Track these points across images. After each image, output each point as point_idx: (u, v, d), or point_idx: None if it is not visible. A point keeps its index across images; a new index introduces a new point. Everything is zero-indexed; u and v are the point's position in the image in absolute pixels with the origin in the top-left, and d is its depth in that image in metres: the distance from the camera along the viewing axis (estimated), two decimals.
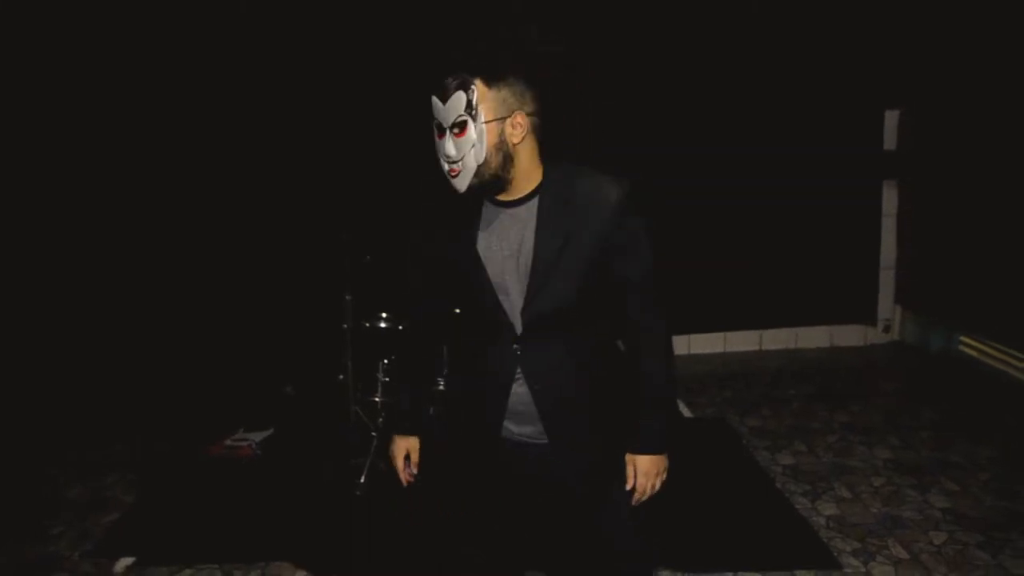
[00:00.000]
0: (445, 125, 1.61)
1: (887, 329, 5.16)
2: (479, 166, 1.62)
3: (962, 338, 4.67)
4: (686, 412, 4.18)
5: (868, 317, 5.16)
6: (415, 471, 1.98)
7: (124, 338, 4.45)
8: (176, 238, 4.50)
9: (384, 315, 3.54)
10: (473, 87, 1.59)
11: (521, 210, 1.69)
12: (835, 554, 2.80)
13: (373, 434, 3.46)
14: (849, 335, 5.17)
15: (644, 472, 1.79)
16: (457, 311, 1.87)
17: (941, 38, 4.43)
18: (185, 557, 2.98)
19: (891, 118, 4.91)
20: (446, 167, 1.64)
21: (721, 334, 5.16)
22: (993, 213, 4.11)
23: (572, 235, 1.65)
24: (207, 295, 4.53)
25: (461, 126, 1.60)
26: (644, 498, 1.81)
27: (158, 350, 4.48)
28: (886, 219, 5.04)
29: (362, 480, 3.33)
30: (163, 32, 4.30)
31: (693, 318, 5.03)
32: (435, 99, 1.62)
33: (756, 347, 5.17)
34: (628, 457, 1.80)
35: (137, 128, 4.39)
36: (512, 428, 1.81)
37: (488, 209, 1.74)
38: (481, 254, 1.72)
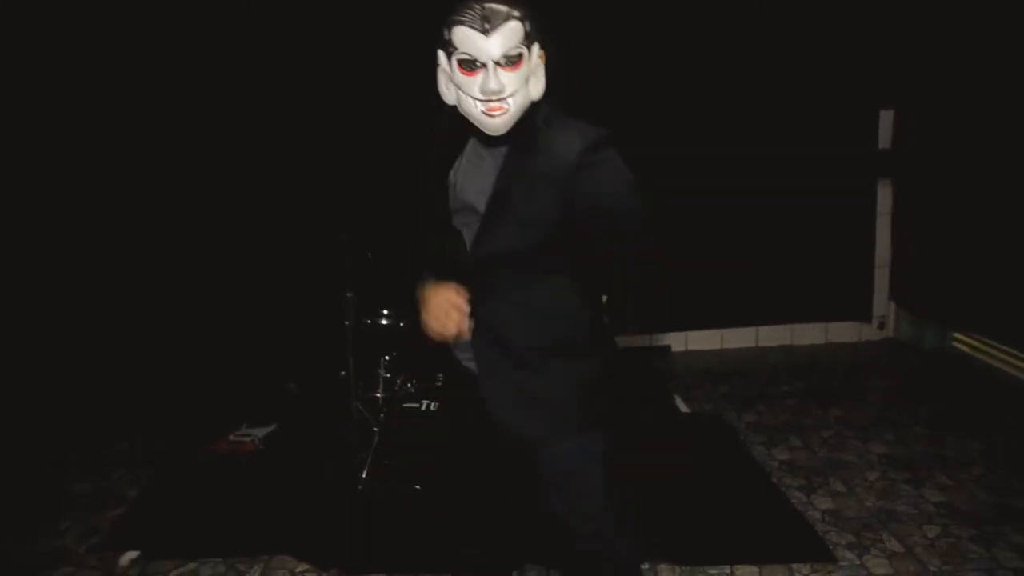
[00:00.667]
0: (489, 58, 1.50)
1: (882, 326, 5.21)
2: (527, 102, 1.56)
3: (956, 335, 4.72)
4: (683, 408, 4.22)
5: (863, 314, 5.20)
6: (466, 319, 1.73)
7: (127, 335, 4.46)
8: (179, 237, 4.51)
9: (385, 312, 3.57)
10: (528, 17, 1.53)
11: (501, 150, 1.65)
12: (830, 548, 2.84)
13: (375, 430, 3.49)
14: (844, 332, 5.21)
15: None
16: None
17: (936, 37, 4.46)
18: (189, 551, 3.01)
19: (885, 117, 4.94)
20: (483, 106, 1.54)
21: (718, 331, 5.20)
22: (987, 211, 4.15)
23: (530, 180, 1.60)
24: (210, 293, 4.55)
25: (516, 59, 1.52)
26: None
27: (161, 347, 4.50)
28: (881, 218, 5.08)
29: (364, 476, 3.36)
30: (163, 32, 4.31)
31: (690, 315, 5.07)
32: (466, 30, 1.51)
33: (752, 344, 5.22)
34: None
35: (138, 127, 4.40)
36: (469, 363, 1.80)
37: (475, 146, 1.71)
38: (457, 191, 1.72)
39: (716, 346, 5.22)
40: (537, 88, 1.60)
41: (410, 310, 3.49)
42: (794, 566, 2.75)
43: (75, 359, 4.33)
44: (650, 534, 2.94)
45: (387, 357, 3.63)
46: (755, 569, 2.75)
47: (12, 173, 4.23)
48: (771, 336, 5.21)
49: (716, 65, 4.69)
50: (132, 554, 3.01)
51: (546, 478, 1.83)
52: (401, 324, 3.56)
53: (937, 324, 4.78)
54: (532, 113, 1.62)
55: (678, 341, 5.18)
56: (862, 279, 5.15)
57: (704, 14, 4.63)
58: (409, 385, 3.65)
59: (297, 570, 2.88)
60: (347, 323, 3.52)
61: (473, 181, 1.69)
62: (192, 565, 2.93)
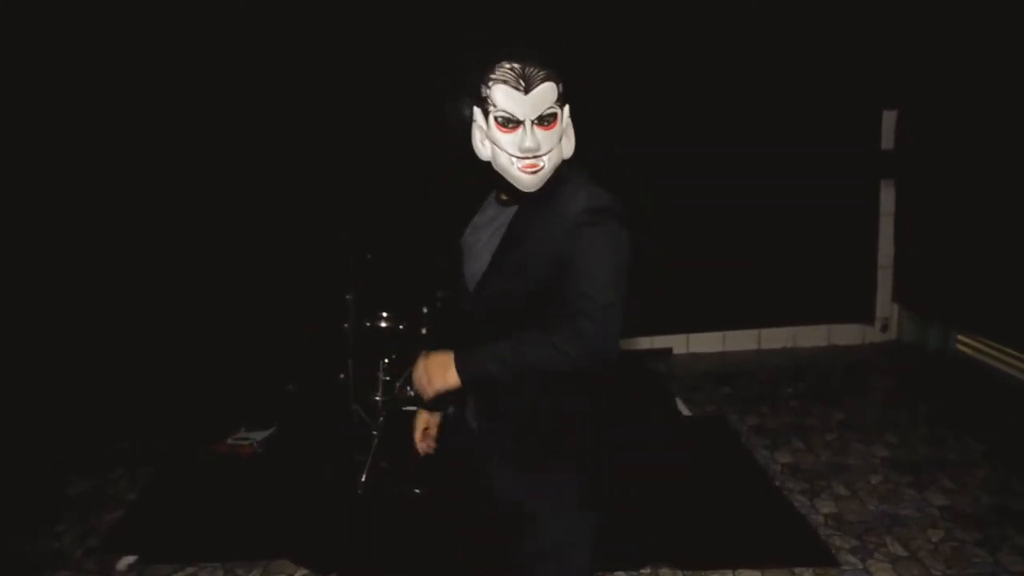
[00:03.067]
0: (527, 117, 1.52)
1: (885, 328, 5.18)
2: (560, 160, 1.58)
3: (959, 336, 4.69)
4: (685, 410, 4.20)
5: (866, 316, 5.18)
6: (433, 445, 1.94)
7: (127, 336, 4.46)
8: (178, 238, 4.51)
9: (385, 314, 3.55)
10: (561, 79, 1.54)
11: (513, 208, 1.68)
12: (833, 552, 2.82)
13: (374, 433, 3.47)
14: (847, 334, 5.19)
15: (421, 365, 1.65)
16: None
17: (939, 38, 4.45)
18: (187, 555, 2.99)
19: (889, 118, 4.93)
20: (519, 163, 1.54)
21: (720, 333, 5.18)
22: (990, 212, 4.13)
23: (531, 238, 1.60)
24: (209, 295, 4.54)
25: (551, 118, 1.54)
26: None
27: (161, 349, 4.49)
28: (884, 218, 5.06)
29: (363, 479, 3.34)
30: (164, 32, 4.31)
31: (692, 317, 5.05)
32: (505, 88, 1.51)
33: (755, 346, 5.19)
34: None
35: (139, 128, 4.40)
36: (471, 421, 1.80)
37: (491, 205, 1.74)
38: (468, 246, 1.74)
39: (718, 348, 5.19)
40: (569, 147, 1.62)
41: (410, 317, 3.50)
42: (797, 570, 2.73)
43: (75, 359, 4.32)
44: (652, 537, 2.92)
45: (386, 360, 3.62)
46: (757, 573, 2.73)
47: (12, 173, 4.22)
48: (773, 338, 5.19)
49: (720, 65, 4.67)
50: (130, 559, 2.99)
51: (534, 547, 1.73)
52: (400, 327, 3.54)
53: (940, 325, 4.76)
54: (557, 171, 1.63)
55: (679, 343, 5.16)
56: (865, 280, 5.13)
57: (706, 14, 4.61)
58: (408, 388, 3.63)
59: (296, 574, 2.87)
60: (346, 325, 3.51)
61: (484, 233, 1.71)
62: (190, 569, 2.91)
